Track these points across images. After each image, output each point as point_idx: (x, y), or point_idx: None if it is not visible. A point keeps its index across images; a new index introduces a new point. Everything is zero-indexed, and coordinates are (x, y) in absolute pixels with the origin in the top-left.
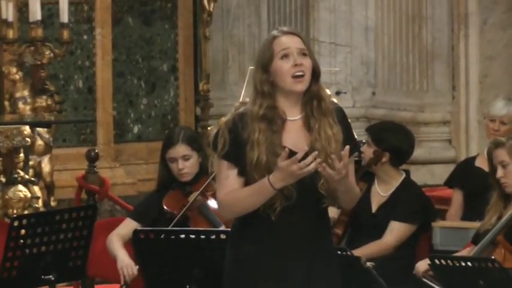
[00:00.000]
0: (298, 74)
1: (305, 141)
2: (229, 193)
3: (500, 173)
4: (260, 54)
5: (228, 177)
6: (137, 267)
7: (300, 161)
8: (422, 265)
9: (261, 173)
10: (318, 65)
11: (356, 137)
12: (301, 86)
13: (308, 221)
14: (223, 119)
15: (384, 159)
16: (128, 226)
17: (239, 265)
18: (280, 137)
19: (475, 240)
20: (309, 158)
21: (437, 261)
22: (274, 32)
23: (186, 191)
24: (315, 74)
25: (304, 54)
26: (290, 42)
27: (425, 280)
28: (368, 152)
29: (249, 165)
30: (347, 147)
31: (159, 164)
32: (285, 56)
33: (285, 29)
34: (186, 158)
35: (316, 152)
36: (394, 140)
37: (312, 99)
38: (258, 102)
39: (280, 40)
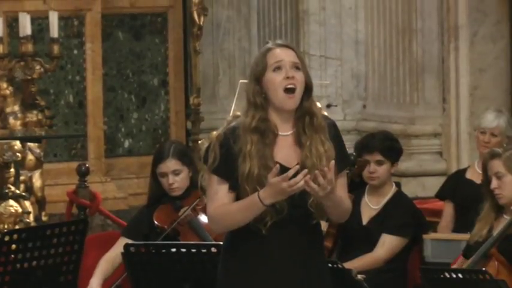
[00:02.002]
0: (289, 86)
1: (296, 158)
2: (219, 207)
3: (494, 183)
4: (253, 66)
5: (218, 192)
6: None
7: (290, 178)
8: None
9: (252, 186)
10: (310, 80)
11: (348, 151)
12: (291, 104)
13: (299, 236)
14: (215, 133)
15: (393, 170)
16: (121, 246)
17: (231, 280)
18: (271, 151)
19: (466, 253)
20: (299, 176)
21: (428, 274)
22: (269, 44)
23: (177, 205)
24: (308, 89)
25: (297, 68)
26: (283, 55)
27: None
28: (383, 170)
29: (240, 177)
30: (332, 162)
31: (149, 178)
32: (278, 69)
33: (279, 41)
34: (176, 173)
35: (306, 170)
36: (399, 146)
37: (304, 115)
38: (250, 114)
39: (274, 52)
